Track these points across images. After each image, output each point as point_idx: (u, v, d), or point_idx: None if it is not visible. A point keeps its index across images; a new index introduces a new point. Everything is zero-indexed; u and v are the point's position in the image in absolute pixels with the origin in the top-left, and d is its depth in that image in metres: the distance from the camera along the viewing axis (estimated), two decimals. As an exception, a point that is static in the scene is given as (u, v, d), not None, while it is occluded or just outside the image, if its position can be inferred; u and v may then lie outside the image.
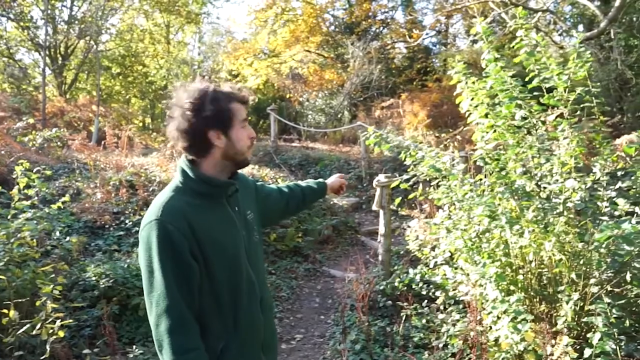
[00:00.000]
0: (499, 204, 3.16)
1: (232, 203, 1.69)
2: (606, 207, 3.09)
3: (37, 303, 3.04)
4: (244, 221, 1.72)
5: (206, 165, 1.61)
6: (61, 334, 2.92)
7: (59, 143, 9.39)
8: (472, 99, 3.30)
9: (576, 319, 2.86)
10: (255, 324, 1.68)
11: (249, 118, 1.69)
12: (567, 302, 2.78)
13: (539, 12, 9.41)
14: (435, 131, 12.43)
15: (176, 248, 1.48)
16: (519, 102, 3.11)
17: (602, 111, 3.16)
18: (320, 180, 2.32)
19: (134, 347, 3.73)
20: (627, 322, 2.71)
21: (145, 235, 1.51)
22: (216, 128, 1.56)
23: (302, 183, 2.26)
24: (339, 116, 17.56)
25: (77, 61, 17.92)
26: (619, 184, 3.20)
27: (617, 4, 7.86)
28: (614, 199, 3.04)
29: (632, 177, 3.14)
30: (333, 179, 2.33)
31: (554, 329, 2.88)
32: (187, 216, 1.52)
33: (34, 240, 3.90)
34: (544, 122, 3.27)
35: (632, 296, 2.87)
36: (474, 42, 3.05)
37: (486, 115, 3.25)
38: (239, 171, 1.78)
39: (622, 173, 3.63)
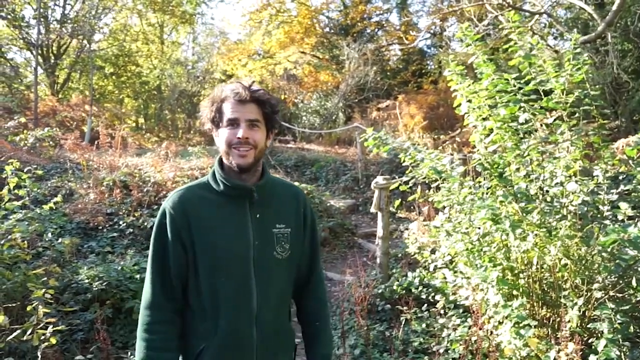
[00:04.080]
0: (501, 207, 3.12)
1: (254, 209, 1.62)
2: (608, 210, 3.05)
3: (29, 308, 2.95)
4: (263, 231, 1.62)
5: (225, 162, 1.64)
6: (53, 340, 2.83)
7: (51, 143, 9.28)
8: (470, 101, 3.26)
9: (580, 325, 2.81)
10: (239, 337, 1.58)
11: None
12: (572, 308, 2.74)
13: (535, 15, 9.41)
14: (432, 133, 12.42)
15: (167, 234, 1.56)
16: (523, 104, 3.07)
17: (600, 114, 3.13)
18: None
19: (128, 352, 3.64)
20: (632, 328, 2.68)
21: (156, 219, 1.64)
22: (214, 126, 1.64)
23: (321, 335, 1.84)
24: (333, 118, 17.52)
25: (69, 60, 17.78)
26: (621, 187, 3.17)
27: (614, 7, 7.87)
28: (615, 203, 3.01)
29: (634, 181, 3.10)
30: None
31: (557, 335, 2.84)
32: (188, 205, 1.58)
33: (25, 241, 3.81)
34: (548, 125, 3.23)
35: (635, 301, 2.83)
36: (468, 45, 3.04)
37: (484, 119, 3.21)
38: (292, 183, 1.86)
39: (623, 176, 3.61)
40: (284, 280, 1.69)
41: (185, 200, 1.59)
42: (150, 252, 1.60)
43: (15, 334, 2.88)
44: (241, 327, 1.58)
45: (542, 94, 3.13)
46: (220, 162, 1.66)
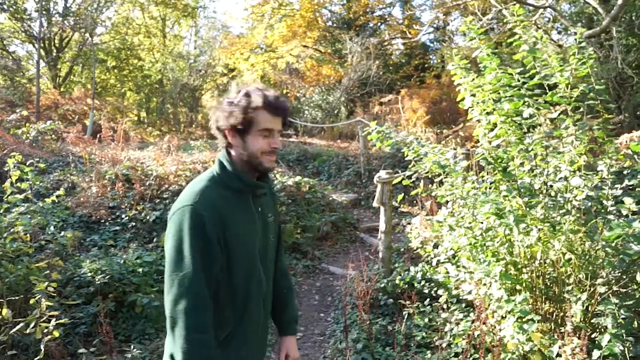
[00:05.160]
0: (504, 202, 3.10)
1: (256, 203, 1.76)
2: (612, 205, 3.03)
3: (32, 301, 2.95)
4: (264, 222, 1.78)
5: (235, 160, 1.70)
6: (56, 334, 2.84)
7: (53, 136, 9.28)
8: (474, 95, 3.23)
9: (584, 320, 2.80)
10: (258, 320, 1.77)
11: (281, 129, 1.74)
12: (576, 302, 2.73)
13: (539, 9, 9.35)
14: (434, 128, 12.38)
15: (207, 235, 1.57)
16: (527, 99, 3.05)
17: (604, 108, 3.11)
18: (290, 329, 2.03)
19: (131, 345, 3.65)
20: (635, 323, 2.67)
21: (177, 219, 1.59)
22: (235, 130, 1.67)
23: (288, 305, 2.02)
24: (335, 112, 17.49)
25: (71, 54, 17.76)
26: (625, 182, 3.14)
27: (619, 2, 7.80)
28: (619, 198, 2.99)
29: (639, 176, 3.08)
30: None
31: (560, 330, 2.84)
32: (218, 208, 1.62)
33: (28, 235, 3.82)
34: (552, 120, 3.21)
35: (639, 296, 2.82)
36: (472, 39, 3.02)
37: (488, 113, 3.19)
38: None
39: (628, 171, 3.58)
40: (273, 262, 1.91)
41: (214, 201, 1.62)
42: (189, 256, 1.55)
43: (18, 327, 2.89)
44: (259, 311, 1.76)
45: (546, 88, 3.11)
46: (228, 157, 1.71)
